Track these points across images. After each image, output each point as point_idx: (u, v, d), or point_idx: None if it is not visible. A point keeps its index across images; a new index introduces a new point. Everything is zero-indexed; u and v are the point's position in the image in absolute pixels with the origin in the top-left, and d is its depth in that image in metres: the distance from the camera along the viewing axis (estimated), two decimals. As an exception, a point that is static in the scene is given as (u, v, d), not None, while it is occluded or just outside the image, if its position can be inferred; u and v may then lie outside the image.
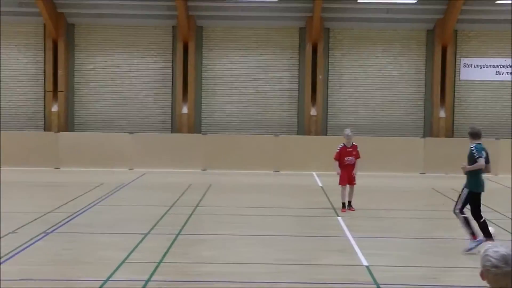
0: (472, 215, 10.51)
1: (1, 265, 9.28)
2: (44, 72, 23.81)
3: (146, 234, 11.54)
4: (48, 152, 22.50)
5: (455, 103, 23.92)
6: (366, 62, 23.98)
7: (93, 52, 24.04)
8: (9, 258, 9.74)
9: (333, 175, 15.21)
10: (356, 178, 14.39)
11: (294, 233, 12.07)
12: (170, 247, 10.59)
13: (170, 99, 24.03)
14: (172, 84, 23.94)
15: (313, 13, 22.43)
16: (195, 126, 23.83)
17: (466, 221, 10.39)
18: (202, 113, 24.09)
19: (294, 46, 23.96)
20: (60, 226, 12.21)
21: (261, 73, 24.06)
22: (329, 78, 23.91)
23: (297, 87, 23.99)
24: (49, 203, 14.95)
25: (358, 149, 14.46)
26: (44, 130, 23.73)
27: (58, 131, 23.21)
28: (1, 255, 9.76)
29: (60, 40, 23.43)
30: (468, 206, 10.55)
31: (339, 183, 14.36)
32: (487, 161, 10.43)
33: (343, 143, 14.48)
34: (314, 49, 23.31)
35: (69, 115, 24.00)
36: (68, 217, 13.07)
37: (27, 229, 11.86)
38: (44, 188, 18.22)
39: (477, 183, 10.46)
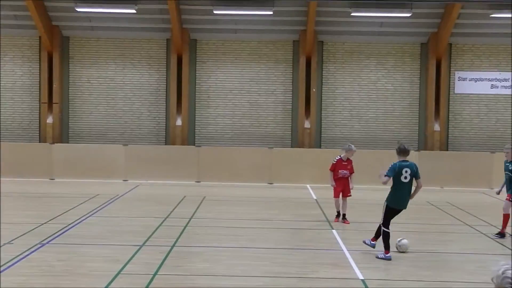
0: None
1: (-4, 276, 9.29)
2: (39, 84, 23.85)
3: (140, 246, 11.54)
4: (43, 163, 22.50)
5: (449, 116, 24.06)
6: (360, 75, 24.12)
7: (88, 64, 24.10)
8: (6, 269, 9.73)
9: (327, 187, 15.47)
10: (351, 191, 14.68)
11: (288, 246, 12.08)
12: (164, 259, 10.59)
13: (164, 111, 24.09)
14: (166, 96, 24.00)
15: (307, 27, 22.58)
16: (188, 138, 23.88)
17: (385, 236, 10.94)
18: (196, 125, 24.14)
19: (287, 59, 24.09)
20: (55, 237, 12.20)
21: (254, 86, 24.16)
22: (322, 91, 24.03)
23: (290, 100, 24.08)
24: (43, 214, 14.94)
25: (352, 163, 14.73)
26: (39, 142, 23.73)
27: (53, 142, 23.21)
28: (-4, 266, 9.78)
29: (55, 52, 23.50)
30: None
31: (334, 196, 14.67)
32: (415, 176, 10.92)
33: (340, 156, 14.74)
34: (307, 62, 23.44)
35: (63, 127, 24.01)
36: (63, 228, 13.06)
37: (23, 240, 11.85)
38: (38, 199, 18.19)
39: (392, 198, 11.03)
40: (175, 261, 10.54)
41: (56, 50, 23.51)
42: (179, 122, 23.52)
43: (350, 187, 14.63)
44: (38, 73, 23.89)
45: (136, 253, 11.01)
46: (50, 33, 23.26)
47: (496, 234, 13.08)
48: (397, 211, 11.07)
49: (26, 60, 24.01)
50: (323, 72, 24.02)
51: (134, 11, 22.24)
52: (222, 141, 24.04)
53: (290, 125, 24.11)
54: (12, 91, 24.00)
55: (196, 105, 24.12)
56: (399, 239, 11.57)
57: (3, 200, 17.68)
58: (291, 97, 24.09)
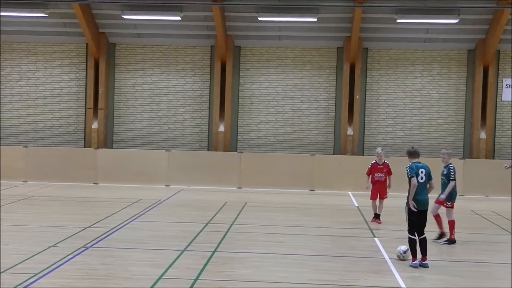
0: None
1: (42, 278, 9.46)
2: (86, 90, 24.30)
3: (182, 251, 11.61)
4: (88, 168, 22.87)
5: (496, 124, 23.58)
6: (405, 82, 23.86)
7: (133, 70, 24.45)
8: (51, 271, 9.92)
9: (369, 195, 15.56)
10: (387, 192, 15.57)
11: (329, 253, 11.99)
12: (206, 264, 10.63)
13: (207, 118, 24.25)
14: (209, 102, 24.16)
15: (351, 33, 22.46)
16: (231, 144, 23.98)
17: (410, 243, 10.83)
18: (238, 132, 24.23)
19: (331, 66, 23.99)
20: (99, 241, 12.38)
21: (297, 93, 24.13)
22: (366, 98, 23.84)
23: (334, 106, 23.97)
24: (87, 218, 15.18)
25: (389, 167, 15.57)
26: (84, 147, 24.15)
27: (98, 147, 23.60)
28: (41, 268, 9.97)
29: (101, 59, 23.92)
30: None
31: (370, 198, 15.63)
32: (429, 178, 11.13)
33: (375, 160, 15.64)
34: (351, 69, 23.31)
35: (108, 132, 24.39)
36: (106, 232, 13.24)
37: (67, 243, 12.07)
38: (83, 203, 18.49)
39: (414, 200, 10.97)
40: (216, 267, 10.57)
41: (102, 56, 23.93)
42: (221, 128, 23.64)
43: (388, 187, 15.48)
44: (85, 79, 24.34)
45: (177, 258, 11.08)
46: (97, 40, 23.69)
47: (445, 240, 13.02)
48: (419, 213, 10.92)
49: (74, 67, 24.50)
50: (367, 79, 23.84)
51: (179, 18, 22.48)
52: (264, 148, 24.07)
53: (333, 132, 23.99)
54: (59, 97, 24.52)
55: (239, 111, 24.21)
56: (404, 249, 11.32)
57: (49, 204, 18.07)
58: (334, 104, 23.97)
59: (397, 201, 15.68)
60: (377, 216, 15.50)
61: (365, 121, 23.86)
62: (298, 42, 23.90)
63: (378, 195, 15.44)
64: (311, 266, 10.74)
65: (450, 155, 13.35)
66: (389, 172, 15.51)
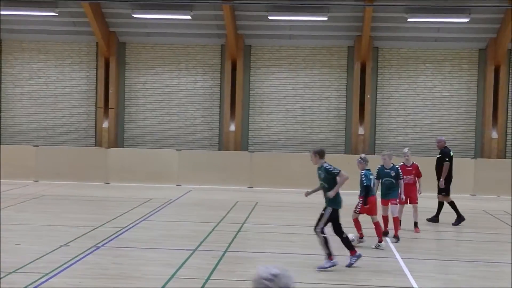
0: (335, 232, 10.64)
1: (53, 277, 9.48)
2: (96, 89, 24.33)
3: (193, 251, 11.59)
4: (98, 168, 22.91)
5: (508, 123, 23.43)
6: (416, 81, 23.75)
7: (143, 70, 24.47)
8: (62, 270, 9.93)
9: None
10: (418, 196, 14.27)
11: (341, 253, 11.93)
12: (217, 264, 10.61)
13: (218, 117, 24.23)
14: (220, 102, 24.14)
15: (362, 32, 22.37)
16: (242, 144, 23.95)
17: (326, 241, 10.43)
18: (249, 131, 24.19)
19: (342, 65, 23.92)
20: (110, 240, 12.38)
21: (308, 92, 24.07)
22: (377, 97, 23.75)
23: (344, 106, 23.89)
24: (98, 217, 15.20)
25: (419, 168, 14.45)
26: (95, 146, 24.18)
27: (108, 147, 23.63)
28: (53, 268, 9.99)
29: (112, 58, 23.94)
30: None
31: (398, 203, 13.68)
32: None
33: (402, 162, 14.42)
34: (362, 68, 23.23)
35: (118, 132, 24.42)
36: (117, 232, 13.24)
37: (78, 242, 12.08)
38: (94, 202, 18.52)
39: (338, 199, 10.58)
40: (228, 266, 10.55)
41: (112, 55, 23.96)
42: (232, 127, 23.62)
43: (418, 192, 14.24)
44: (95, 79, 24.38)
45: (189, 257, 11.06)
46: (107, 39, 23.72)
47: (393, 237, 12.94)
48: (338, 212, 10.68)
49: (84, 66, 24.54)
50: (378, 78, 23.74)
51: (189, 17, 22.48)
52: (275, 147, 24.03)
53: (344, 131, 23.91)
54: (70, 96, 24.56)
55: (250, 110, 24.18)
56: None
57: (60, 203, 18.11)
58: (345, 103, 23.90)
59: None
60: (415, 225, 14.08)
61: (376, 121, 23.77)
62: (309, 41, 23.83)
63: (408, 200, 13.95)
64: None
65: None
66: (419, 174, 14.37)
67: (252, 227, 14.51)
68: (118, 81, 24.27)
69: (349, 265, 10.55)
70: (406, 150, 14.79)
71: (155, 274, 9.82)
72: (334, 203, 10.53)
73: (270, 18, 22.39)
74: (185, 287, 9.18)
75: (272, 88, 24.20)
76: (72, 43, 24.44)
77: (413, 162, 14.52)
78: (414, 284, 9.56)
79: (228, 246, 12.10)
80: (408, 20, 21.95)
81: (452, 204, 15.20)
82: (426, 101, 23.74)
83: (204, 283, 9.33)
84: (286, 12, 22.19)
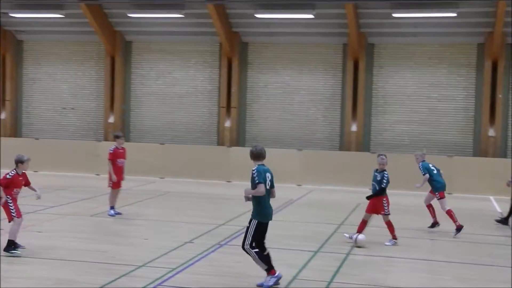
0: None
1: (179, 273, 9.63)
2: (219, 88, 24.72)
3: (315, 252, 11.41)
4: (221, 166, 23.25)
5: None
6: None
7: (265, 69, 24.57)
8: (187, 267, 10.08)
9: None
10: None
11: (466, 260, 11.30)
12: (340, 266, 10.37)
13: (339, 117, 23.88)
14: (342, 101, 23.77)
15: (494, 28, 21.20)
16: (363, 144, 23.45)
17: (259, 256, 9.04)
18: (371, 132, 23.65)
19: (471, 63, 22.81)
20: (232, 238, 12.46)
21: (434, 91, 23.16)
22: (510, 96, 22.42)
23: (473, 106, 22.78)
24: (221, 215, 15.38)
25: None
26: (217, 145, 24.58)
27: (230, 145, 23.94)
28: (178, 264, 10.19)
29: (234, 58, 24.23)
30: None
31: None
32: (272, 185, 9.29)
33: None
34: (493, 66, 22.03)
35: (240, 131, 24.67)
36: (239, 230, 13.26)
37: (202, 239, 12.27)
38: (216, 200, 18.78)
39: (263, 211, 9.20)
40: (351, 269, 10.27)
41: (235, 55, 24.25)
42: (354, 128, 23.19)
43: None
44: (218, 78, 24.78)
45: (311, 259, 10.89)
46: (230, 40, 24.03)
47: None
48: (266, 225, 9.29)
49: (207, 66, 25.02)
50: (511, 77, 22.42)
51: (312, 16, 22.30)
52: (398, 148, 23.31)
53: (472, 133, 22.80)
54: (194, 95, 25.13)
55: (372, 110, 23.63)
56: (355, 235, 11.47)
57: (184, 200, 18.53)
58: (474, 104, 22.78)
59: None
60: None
61: (510, 122, 22.44)
62: (435, 38, 22.92)
63: None
64: (444, 274, 10.22)
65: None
66: None
67: (374, 230, 14.07)
68: (240, 81, 24.52)
69: (261, 285, 9.07)
70: None
71: (277, 274, 9.69)
72: (256, 215, 9.25)
73: (394, 15, 21.75)
74: (307, 289, 9.01)
75: (396, 88, 23.51)
76: (197, 43, 24.98)
77: None
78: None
79: (351, 249, 11.80)
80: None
81: None
82: None
83: (327, 286, 9.11)
84: (411, 9, 21.42)
